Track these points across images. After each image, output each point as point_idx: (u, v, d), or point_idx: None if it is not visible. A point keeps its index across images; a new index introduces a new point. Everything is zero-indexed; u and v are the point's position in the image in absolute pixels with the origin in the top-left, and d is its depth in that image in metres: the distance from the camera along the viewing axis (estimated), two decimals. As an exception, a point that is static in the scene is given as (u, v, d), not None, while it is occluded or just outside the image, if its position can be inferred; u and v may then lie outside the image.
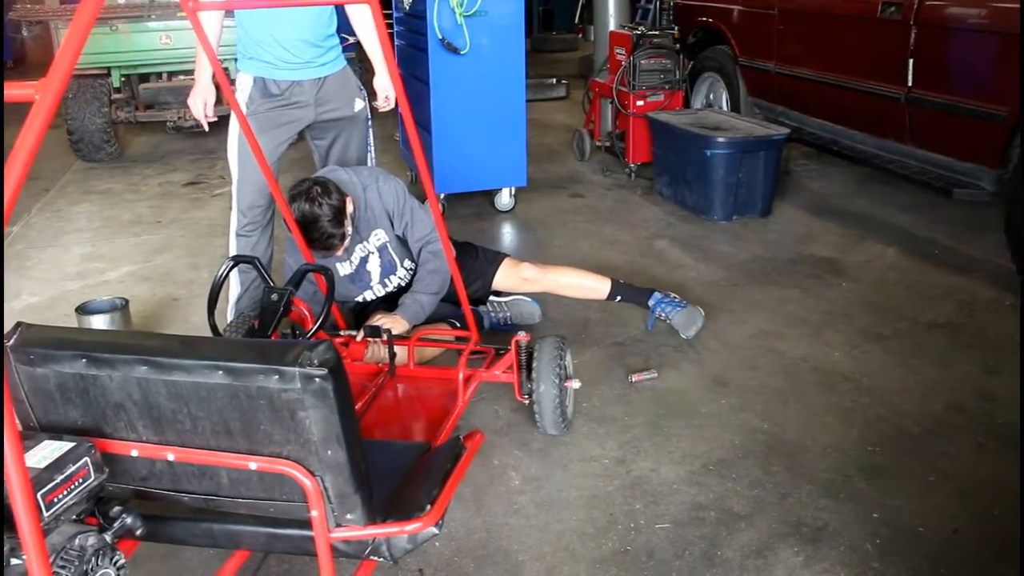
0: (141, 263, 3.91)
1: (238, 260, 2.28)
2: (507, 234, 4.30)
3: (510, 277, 2.96)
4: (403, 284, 2.83)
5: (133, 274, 3.78)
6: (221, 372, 1.33)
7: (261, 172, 2.41)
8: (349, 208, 2.56)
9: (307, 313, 2.25)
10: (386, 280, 2.80)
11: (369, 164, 3.16)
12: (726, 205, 4.19)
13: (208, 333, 2.23)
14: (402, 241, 2.76)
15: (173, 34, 5.44)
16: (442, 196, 4.39)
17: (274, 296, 2.11)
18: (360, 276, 2.77)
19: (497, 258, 2.99)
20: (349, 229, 2.57)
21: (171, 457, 1.42)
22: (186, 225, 4.47)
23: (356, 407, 2.14)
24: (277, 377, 1.31)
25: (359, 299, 2.84)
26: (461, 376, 2.33)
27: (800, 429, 2.40)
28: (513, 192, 4.50)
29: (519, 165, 4.38)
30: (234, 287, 3.00)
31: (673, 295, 3.02)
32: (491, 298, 3.04)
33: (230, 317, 2.96)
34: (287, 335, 2.28)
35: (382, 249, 2.74)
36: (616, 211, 4.50)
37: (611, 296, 3.01)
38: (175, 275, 3.75)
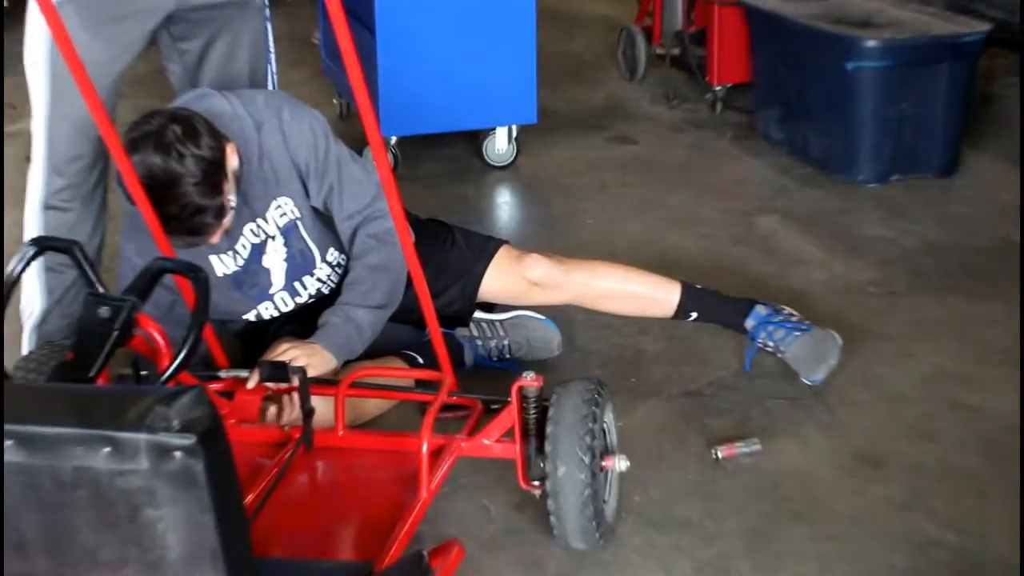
0: None
1: (44, 247, 2.27)
2: (504, 205, 4.30)
3: (510, 279, 2.98)
4: (326, 292, 2.84)
5: None
6: (11, 443, 1.33)
7: (86, 102, 2.40)
8: (232, 162, 2.57)
9: (161, 340, 2.25)
10: (296, 284, 2.82)
11: (269, 87, 3.17)
12: (879, 157, 4.20)
13: (-10, 375, 2.24)
14: (324, 217, 2.77)
15: None
16: (394, 140, 4.41)
17: (104, 311, 2.11)
18: (252, 278, 2.78)
19: (488, 247, 3.00)
20: (233, 199, 2.58)
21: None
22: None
23: (246, 501, 2.14)
24: (108, 450, 1.30)
25: (250, 317, 2.85)
26: (425, 447, 2.33)
27: (1010, 540, 2.39)
28: (515, 135, 4.52)
29: (525, 90, 4.40)
30: (35, 295, 3.01)
31: (788, 310, 3.03)
32: (478, 315, 3.06)
33: (27, 347, 2.97)
34: (126, 377, 2.28)
35: (289, 231, 2.75)
36: (690, 166, 4.51)
37: (681, 312, 3.03)
38: (-65, 276, 3.76)
